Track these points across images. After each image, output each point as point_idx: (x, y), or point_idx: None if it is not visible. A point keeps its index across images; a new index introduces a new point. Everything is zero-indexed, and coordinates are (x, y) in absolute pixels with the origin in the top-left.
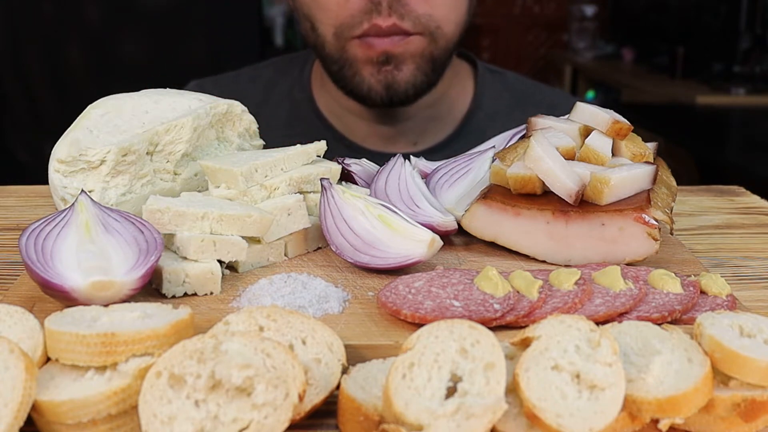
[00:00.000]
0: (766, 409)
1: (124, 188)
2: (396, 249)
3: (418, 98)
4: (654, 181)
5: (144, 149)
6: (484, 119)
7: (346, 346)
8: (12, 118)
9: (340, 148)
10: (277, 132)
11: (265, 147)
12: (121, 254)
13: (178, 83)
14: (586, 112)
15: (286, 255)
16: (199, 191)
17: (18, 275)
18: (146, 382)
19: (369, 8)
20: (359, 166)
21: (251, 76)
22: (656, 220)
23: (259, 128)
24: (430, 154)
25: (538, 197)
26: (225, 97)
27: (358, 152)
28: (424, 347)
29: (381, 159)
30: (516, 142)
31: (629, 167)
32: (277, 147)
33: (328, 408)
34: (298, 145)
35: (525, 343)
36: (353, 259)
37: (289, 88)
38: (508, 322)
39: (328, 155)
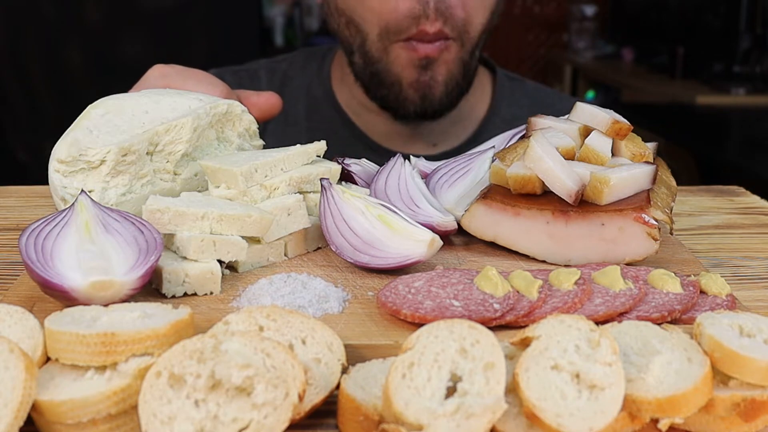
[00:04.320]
0: (766, 409)
1: (124, 188)
2: (396, 249)
3: (449, 110)
4: (654, 181)
5: (144, 149)
6: (500, 125)
7: (346, 346)
8: (12, 118)
9: (358, 145)
10: (296, 127)
11: (287, 141)
12: (121, 254)
13: None
14: (586, 112)
15: (286, 255)
16: (199, 191)
17: (18, 275)
18: (146, 382)
19: (417, 13)
20: (359, 166)
21: (269, 69)
22: (656, 220)
23: (277, 123)
24: (448, 156)
25: (538, 197)
26: (242, 88)
27: (377, 151)
28: (423, 347)
29: None
30: (516, 142)
31: (629, 167)
32: (300, 141)
33: (328, 408)
34: (298, 145)
35: (525, 343)
36: (353, 259)
37: (306, 83)
38: (508, 322)
39: (347, 152)
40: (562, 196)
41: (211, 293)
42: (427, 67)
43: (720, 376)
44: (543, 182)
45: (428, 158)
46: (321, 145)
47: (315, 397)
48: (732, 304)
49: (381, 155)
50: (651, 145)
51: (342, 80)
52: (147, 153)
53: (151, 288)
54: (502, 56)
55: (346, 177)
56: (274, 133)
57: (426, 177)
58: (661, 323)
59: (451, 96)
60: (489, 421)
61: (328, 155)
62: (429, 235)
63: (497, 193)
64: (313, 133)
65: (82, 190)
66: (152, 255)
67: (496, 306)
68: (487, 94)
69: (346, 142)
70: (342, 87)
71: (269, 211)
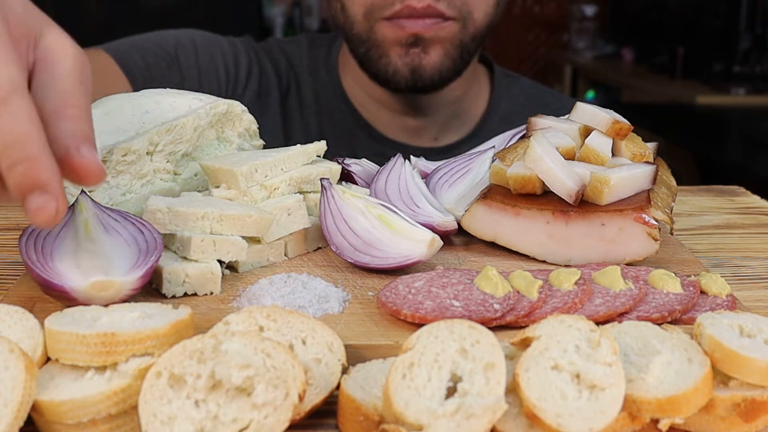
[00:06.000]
0: (766, 409)
1: (124, 188)
2: (396, 249)
3: (443, 86)
4: (654, 181)
5: (144, 149)
6: (498, 121)
7: (346, 346)
8: None
9: (363, 135)
10: (306, 110)
11: (295, 122)
12: (121, 254)
13: None
14: (586, 112)
15: (286, 255)
16: (199, 191)
17: (18, 275)
18: (146, 382)
19: None
20: (359, 166)
21: (280, 49)
22: (656, 220)
23: (288, 102)
24: (449, 150)
25: (538, 197)
26: (256, 60)
27: (382, 142)
28: (424, 347)
29: (403, 150)
30: (516, 142)
31: (629, 167)
32: (307, 123)
33: (328, 408)
34: (298, 145)
35: (525, 343)
36: (353, 259)
37: (313, 66)
38: (508, 322)
39: (353, 141)
40: (562, 196)
41: (211, 293)
42: (416, 44)
43: (720, 377)
44: (543, 182)
45: (429, 151)
46: (321, 145)
47: (315, 398)
48: (732, 304)
49: (385, 146)
50: (651, 145)
51: (348, 69)
52: (147, 153)
53: (151, 288)
54: (502, 56)
55: (346, 177)
56: (288, 117)
57: (426, 177)
58: (662, 323)
59: (444, 73)
60: (489, 421)
61: (335, 140)
62: (429, 235)
63: (497, 193)
64: (321, 116)
65: (82, 190)
66: (152, 255)
67: (497, 306)
68: (485, 90)
69: (352, 132)
70: (348, 76)
71: (269, 211)
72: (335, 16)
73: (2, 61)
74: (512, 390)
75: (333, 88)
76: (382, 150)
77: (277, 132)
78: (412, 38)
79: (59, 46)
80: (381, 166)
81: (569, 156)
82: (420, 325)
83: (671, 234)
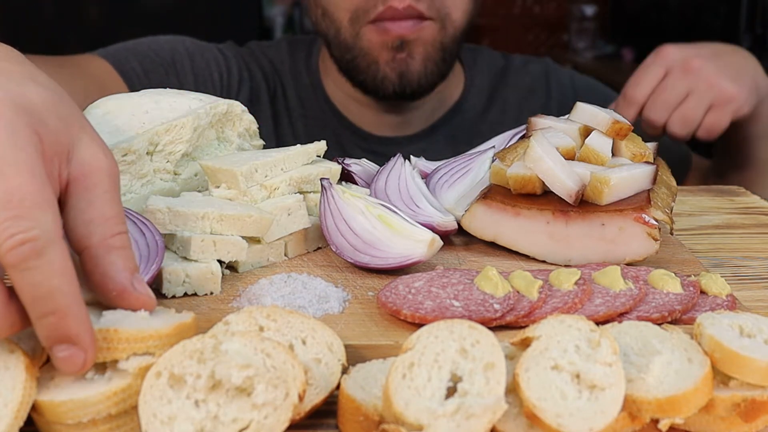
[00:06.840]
0: (766, 409)
1: (124, 188)
2: (396, 249)
3: (429, 91)
4: (654, 181)
5: (144, 149)
6: (476, 94)
7: (346, 346)
8: None
9: (349, 135)
10: (293, 113)
11: (284, 126)
12: None
13: None
14: (586, 112)
15: (286, 255)
16: (199, 191)
17: None
18: (146, 382)
19: None
20: (359, 166)
21: (262, 53)
22: (656, 220)
23: (276, 106)
24: (436, 128)
25: (538, 197)
26: (245, 66)
27: (368, 139)
28: (424, 347)
29: (391, 144)
30: (516, 142)
31: (629, 167)
32: (294, 127)
33: (328, 408)
34: (298, 145)
35: (525, 343)
36: (353, 259)
37: (295, 70)
38: (508, 322)
39: (339, 142)
40: (562, 196)
41: (211, 293)
42: (402, 47)
43: (720, 377)
44: (543, 182)
45: (415, 137)
46: (321, 145)
47: (315, 398)
48: (732, 304)
49: (372, 142)
50: (651, 145)
51: (329, 72)
52: (147, 153)
53: (151, 288)
54: None
55: (346, 177)
56: (270, 119)
57: (426, 177)
58: (662, 323)
59: (429, 77)
60: (489, 421)
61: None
62: (429, 235)
63: (497, 193)
64: (306, 119)
65: None
66: (153, 263)
67: (497, 306)
68: (461, 76)
69: (338, 133)
70: (329, 78)
71: (269, 211)
72: (316, 23)
73: (39, 207)
74: (512, 390)
75: (315, 91)
76: (369, 147)
77: (270, 136)
78: (397, 41)
79: (93, 159)
80: (371, 163)
81: (569, 156)
82: (420, 325)
83: (671, 234)
